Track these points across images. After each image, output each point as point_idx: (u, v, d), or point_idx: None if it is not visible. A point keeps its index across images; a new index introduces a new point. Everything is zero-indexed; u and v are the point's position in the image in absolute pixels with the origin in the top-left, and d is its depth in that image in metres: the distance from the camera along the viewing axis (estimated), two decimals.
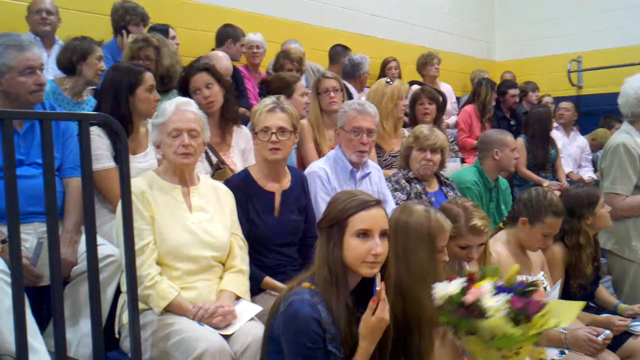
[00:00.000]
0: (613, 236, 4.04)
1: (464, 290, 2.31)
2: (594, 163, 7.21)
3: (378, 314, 2.08)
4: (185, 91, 3.80)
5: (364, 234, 2.13)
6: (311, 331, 2.02)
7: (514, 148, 4.48)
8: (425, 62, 7.30)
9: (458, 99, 7.82)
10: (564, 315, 2.39)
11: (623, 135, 4.07)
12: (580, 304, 2.53)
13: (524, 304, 2.28)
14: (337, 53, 6.66)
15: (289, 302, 2.09)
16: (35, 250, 2.69)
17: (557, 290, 3.27)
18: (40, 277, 2.64)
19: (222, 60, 4.79)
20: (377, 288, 2.10)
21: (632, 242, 3.98)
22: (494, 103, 6.79)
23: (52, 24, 4.64)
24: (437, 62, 7.29)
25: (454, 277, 2.38)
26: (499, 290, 2.33)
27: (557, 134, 7.01)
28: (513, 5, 9.45)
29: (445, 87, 7.26)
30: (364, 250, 2.11)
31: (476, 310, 2.27)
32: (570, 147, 7.16)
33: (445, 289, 2.36)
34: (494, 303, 2.27)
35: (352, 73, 6.31)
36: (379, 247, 2.13)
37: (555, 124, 7.12)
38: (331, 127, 4.08)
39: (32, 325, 2.39)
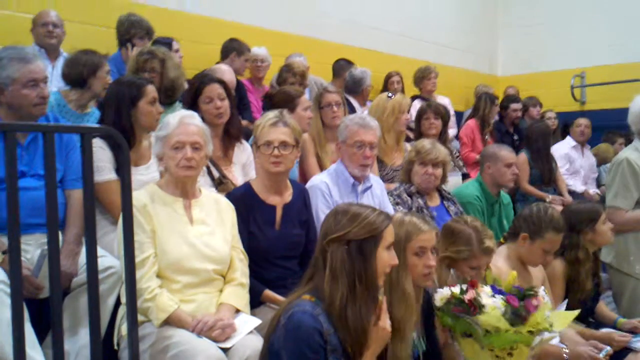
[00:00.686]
0: (613, 250, 4.06)
1: (464, 291, 2.38)
2: (596, 178, 7.20)
3: (380, 324, 2.12)
4: (193, 101, 3.74)
5: (391, 246, 2.20)
6: (313, 341, 2.04)
7: (509, 164, 4.36)
8: (423, 76, 7.21)
9: (460, 113, 7.82)
10: (558, 321, 2.44)
11: (630, 151, 4.11)
12: (574, 313, 2.58)
13: (520, 304, 2.34)
14: (341, 67, 6.65)
15: (289, 314, 2.10)
16: (37, 261, 2.69)
17: (563, 309, 3.26)
18: (42, 289, 2.64)
19: (226, 73, 4.77)
20: (380, 297, 2.14)
21: (630, 256, 3.99)
22: (496, 117, 6.77)
23: (58, 36, 4.67)
24: (434, 76, 7.19)
25: (454, 285, 2.48)
26: (496, 292, 2.39)
27: (572, 153, 6.97)
28: (516, 20, 9.45)
29: (443, 101, 7.10)
30: (388, 262, 2.18)
31: (474, 306, 2.33)
32: (585, 166, 7.10)
33: (446, 291, 2.45)
34: (492, 302, 2.34)
35: (354, 88, 6.27)
36: (396, 258, 2.21)
37: (573, 143, 7.09)
38: (333, 141, 4.06)
39: (31, 337, 2.40)
